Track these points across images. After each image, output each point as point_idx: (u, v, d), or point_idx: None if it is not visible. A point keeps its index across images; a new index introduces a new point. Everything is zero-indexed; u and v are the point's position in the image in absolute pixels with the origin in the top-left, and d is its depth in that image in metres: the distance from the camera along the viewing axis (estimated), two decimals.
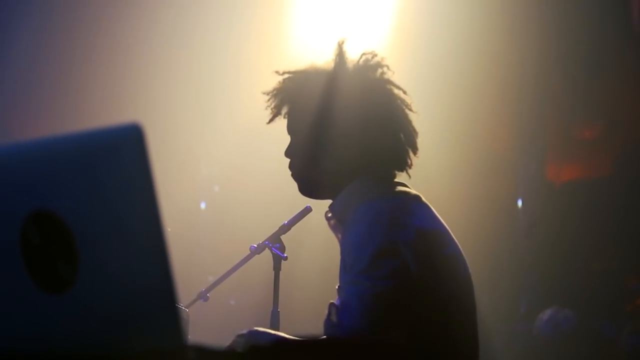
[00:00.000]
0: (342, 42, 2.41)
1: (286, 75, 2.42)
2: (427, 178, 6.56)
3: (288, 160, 2.44)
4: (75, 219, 1.30)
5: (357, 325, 2.10)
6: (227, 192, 6.76)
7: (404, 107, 2.38)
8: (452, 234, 2.35)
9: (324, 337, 2.19)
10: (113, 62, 6.53)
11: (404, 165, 2.39)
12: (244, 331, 2.19)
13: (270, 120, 2.44)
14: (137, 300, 1.31)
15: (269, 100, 2.43)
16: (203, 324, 2.72)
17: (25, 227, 1.32)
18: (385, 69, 2.40)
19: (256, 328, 2.22)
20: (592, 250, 6.65)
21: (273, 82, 2.45)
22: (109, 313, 1.32)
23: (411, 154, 2.39)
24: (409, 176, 2.42)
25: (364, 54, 2.41)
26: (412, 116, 2.40)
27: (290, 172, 2.44)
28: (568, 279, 6.48)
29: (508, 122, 7.16)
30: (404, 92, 2.40)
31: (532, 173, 7.04)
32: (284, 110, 2.43)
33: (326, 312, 2.26)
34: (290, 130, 2.43)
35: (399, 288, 2.12)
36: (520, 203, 7.05)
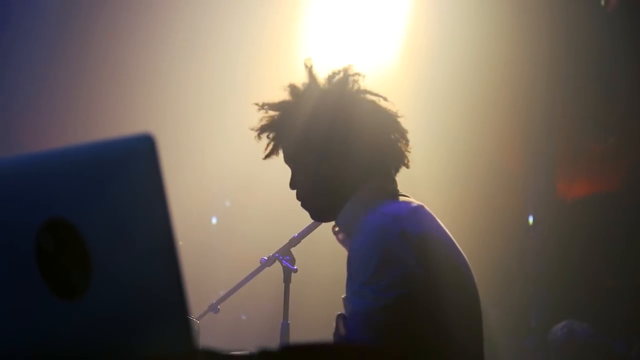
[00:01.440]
0: (310, 65, 2.45)
1: (267, 110, 2.45)
2: (438, 193, 6.60)
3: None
4: (89, 227, 1.33)
5: (364, 338, 2.12)
6: (239, 206, 6.79)
7: (386, 110, 2.42)
8: (456, 243, 2.37)
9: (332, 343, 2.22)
10: (126, 75, 6.58)
11: (400, 162, 2.43)
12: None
13: (267, 157, 2.48)
14: (149, 307, 1.34)
15: (258, 136, 2.46)
16: (214, 336, 2.73)
17: (40, 235, 1.35)
18: (356, 77, 2.43)
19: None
20: (603, 266, 6.65)
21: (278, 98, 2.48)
22: (121, 319, 1.35)
23: (407, 152, 2.43)
24: (408, 167, 2.45)
25: (333, 72, 2.44)
26: (400, 113, 2.44)
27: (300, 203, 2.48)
28: (579, 295, 6.47)
29: (519, 138, 7.17)
30: (384, 99, 2.44)
31: (542, 189, 7.05)
32: (276, 145, 2.46)
33: (334, 324, 2.29)
34: (288, 161, 2.47)
35: (404, 297, 2.14)
36: (531, 219, 7.05)
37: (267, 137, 2.45)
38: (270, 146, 2.46)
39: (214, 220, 6.96)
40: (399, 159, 2.43)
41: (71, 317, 1.35)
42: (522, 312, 6.83)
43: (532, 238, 6.99)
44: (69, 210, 1.34)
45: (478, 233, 6.62)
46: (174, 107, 6.72)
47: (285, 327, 3.12)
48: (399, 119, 2.43)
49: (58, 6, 6.48)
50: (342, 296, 2.33)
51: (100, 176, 1.32)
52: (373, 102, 2.42)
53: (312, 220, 3.00)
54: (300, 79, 2.46)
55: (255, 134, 2.46)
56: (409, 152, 2.44)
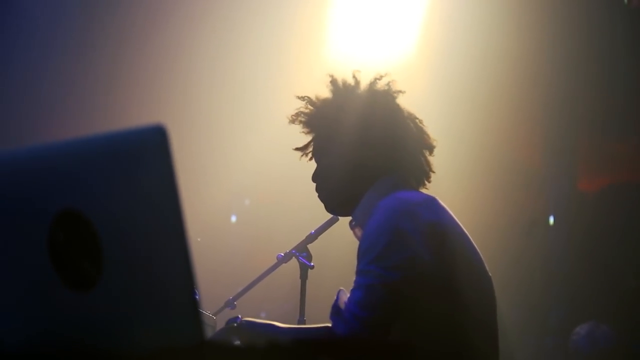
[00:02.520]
0: (356, 71, 2.57)
1: (305, 106, 2.55)
2: (458, 192, 6.58)
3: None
4: (101, 218, 1.34)
5: (364, 314, 2.14)
6: (258, 205, 6.81)
7: (414, 118, 2.52)
8: (468, 234, 2.37)
9: (335, 333, 2.23)
10: (147, 74, 6.61)
11: (421, 175, 2.50)
12: (235, 320, 2.28)
13: (303, 149, 2.60)
14: (159, 299, 1.34)
15: (292, 122, 2.57)
16: None
17: (53, 226, 1.36)
18: (392, 84, 2.54)
19: (246, 318, 2.31)
20: (625, 266, 6.60)
21: (300, 100, 2.59)
22: (131, 311, 1.35)
23: (429, 156, 2.50)
24: (429, 182, 2.51)
25: (375, 77, 2.55)
26: (426, 120, 2.55)
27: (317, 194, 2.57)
28: (601, 295, 6.43)
29: (539, 137, 7.14)
30: (408, 108, 2.55)
31: (564, 188, 7.01)
32: (310, 138, 2.58)
33: (335, 297, 2.31)
34: (315, 155, 2.56)
35: (408, 279, 2.16)
36: (552, 219, 7.02)
37: (303, 128, 2.57)
38: (307, 138, 2.58)
39: (233, 219, 6.98)
40: (420, 170, 2.50)
41: (82, 308, 1.36)
42: (542, 312, 6.80)
43: (553, 237, 6.96)
44: (81, 201, 1.35)
45: (499, 232, 6.60)
46: (196, 107, 6.75)
47: (301, 324, 3.12)
48: (426, 129, 2.52)
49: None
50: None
51: (112, 168, 1.32)
52: (400, 109, 2.51)
53: (329, 216, 3.03)
54: (320, 75, 2.53)
55: (289, 122, 2.58)
56: (430, 156, 2.52)
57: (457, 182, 6.55)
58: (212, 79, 6.72)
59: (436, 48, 6.43)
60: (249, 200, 6.99)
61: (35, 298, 1.31)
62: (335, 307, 2.30)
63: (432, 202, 2.35)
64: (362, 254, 2.24)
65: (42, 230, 1.36)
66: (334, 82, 2.55)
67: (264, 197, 6.75)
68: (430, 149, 2.51)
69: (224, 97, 6.77)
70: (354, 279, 2.27)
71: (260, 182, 6.73)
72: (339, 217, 3.15)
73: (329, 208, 2.58)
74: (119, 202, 1.33)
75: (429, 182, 2.52)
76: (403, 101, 2.54)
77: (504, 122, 6.84)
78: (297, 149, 2.60)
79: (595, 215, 6.78)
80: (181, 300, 1.33)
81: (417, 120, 2.53)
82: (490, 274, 2.39)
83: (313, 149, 2.57)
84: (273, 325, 2.37)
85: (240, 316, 2.39)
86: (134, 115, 6.33)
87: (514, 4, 6.57)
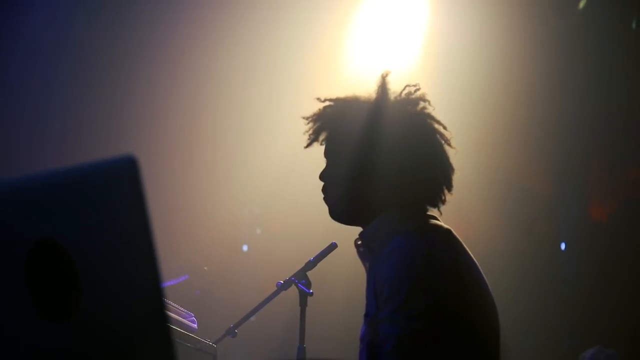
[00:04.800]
0: (386, 75, 2.46)
1: (327, 102, 2.46)
2: (469, 218, 6.58)
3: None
4: (77, 248, 1.37)
5: None
6: (269, 234, 6.83)
7: (443, 143, 2.41)
8: (480, 269, 2.37)
9: None
10: (155, 101, 6.65)
11: (437, 202, 2.41)
12: None
13: (308, 145, 2.47)
14: (134, 326, 1.37)
15: (308, 124, 2.47)
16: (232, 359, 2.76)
17: (30, 257, 1.40)
18: (426, 103, 2.43)
19: None
20: (638, 292, 6.57)
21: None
22: (109, 340, 1.38)
23: (445, 191, 2.41)
24: (440, 213, 2.42)
25: (407, 86, 2.45)
26: (451, 152, 2.42)
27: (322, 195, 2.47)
28: (613, 321, 6.40)
29: (550, 162, 7.13)
30: (444, 128, 2.43)
31: (574, 215, 7.00)
32: (323, 136, 2.46)
33: (359, 346, 2.28)
34: (328, 154, 2.47)
35: (435, 324, 2.15)
36: (563, 246, 7.01)
37: (317, 125, 2.47)
38: (316, 135, 2.47)
39: (244, 248, 7.01)
40: (434, 197, 2.41)
41: (60, 339, 1.39)
42: (555, 337, 6.77)
43: (566, 264, 6.94)
44: (57, 232, 1.38)
45: (510, 258, 6.59)
46: (208, 135, 6.79)
47: (301, 351, 3.14)
48: (450, 155, 2.41)
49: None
50: (364, 314, 2.33)
51: (85, 198, 1.36)
52: (434, 130, 2.41)
53: (328, 244, 3.04)
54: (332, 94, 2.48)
55: (308, 119, 2.48)
56: (447, 192, 2.41)
57: (467, 207, 6.56)
58: (221, 108, 6.76)
59: (442, 66, 6.46)
60: (260, 230, 7.02)
61: (12, 329, 1.34)
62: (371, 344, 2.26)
63: (447, 237, 2.32)
64: (384, 299, 2.19)
65: (19, 261, 1.40)
66: (382, 85, 2.44)
67: (275, 226, 6.77)
68: (450, 187, 2.41)
69: (232, 127, 6.82)
70: (378, 324, 2.22)
71: (271, 211, 6.76)
72: (337, 245, 3.17)
73: (333, 213, 2.46)
74: (93, 232, 1.37)
75: (443, 204, 2.45)
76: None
77: (514, 148, 6.86)
78: (308, 145, 2.48)
79: (607, 242, 6.75)
80: (155, 326, 1.36)
81: (446, 141, 2.41)
82: (497, 311, 2.39)
83: (330, 146, 2.47)
84: None
85: None
86: (141, 146, 6.37)
87: (523, 26, 6.59)
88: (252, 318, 3.35)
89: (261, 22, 6.58)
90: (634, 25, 6.82)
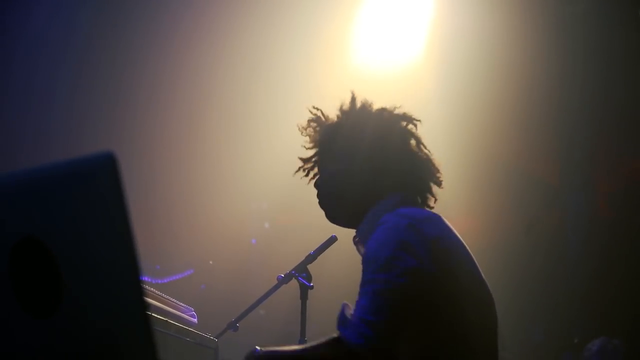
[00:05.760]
0: (354, 95, 2.62)
1: (314, 124, 2.64)
2: (477, 210, 6.56)
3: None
4: (58, 245, 1.39)
5: (373, 318, 2.14)
6: (277, 228, 6.84)
7: (415, 134, 2.56)
8: (471, 254, 2.39)
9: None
10: (163, 96, 6.67)
11: (425, 194, 2.51)
12: (254, 352, 2.26)
13: (310, 179, 2.65)
14: (115, 322, 1.38)
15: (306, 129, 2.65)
16: (234, 354, 2.78)
17: (14, 254, 1.41)
18: (400, 110, 2.59)
19: (264, 348, 2.30)
20: None
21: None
22: (90, 336, 1.40)
23: (434, 188, 2.52)
24: (435, 199, 2.53)
25: (394, 107, 2.61)
26: (430, 143, 2.55)
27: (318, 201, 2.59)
28: (623, 312, 6.38)
29: (556, 151, 7.11)
30: (416, 121, 2.58)
31: (583, 204, 6.98)
32: (317, 155, 2.63)
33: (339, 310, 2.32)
34: (324, 162, 2.60)
35: (414, 285, 2.16)
36: (570, 234, 6.99)
37: (313, 135, 2.64)
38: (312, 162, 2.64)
39: (253, 242, 7.02)
40: (423, 190, 2.52)
41: (42, 335, 1.41)
42: (565, 329, 6.76)
43: (576, 254, 6.92)
44: (39, 229, 1.40)
45: (520, 246, 6.59)
46: (216, 130, 6.80)
47: (302, 344, 3.14)
48: (431, 155, 2.56)
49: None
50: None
51: (65, 195, 1.37)
52: (410, 132, 2.56)
53: (328, 237, 3.05)
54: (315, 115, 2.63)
55: (301, 130, 2.66)
56: (437, 187, 2.53)
57: (475, 199, 6.55)
58: (229, 105, 6.78)
59: (447, 56, 6.46)
60: (268, 224, 7.03)
61: None
62: (342, 317, 2.30)
63: (436, 218, 2.37)
64: (366, 264, 2.26)
65: (3, 259, 1.41)
66: (352, 99, 2.61)
67: (284, 220, 6.79)
68: (438, 183, 2.54)
69: (244, 121, 6.83)
70: (359, 290, 2.28)
71: (278, 205, 6.76)
72: (337, 238, 3.18)
73: (330, 216, 2.59)
74: (74, 229, 1.38)
75: (432, 205, 2.53)
76: (420, 131, 2.58)
77: (523, 140, 6.84)
78: (302, 159, 2.65)
79: (614, 231, 6.73)
80: (135, 321, 1.37)
81: (429, 152, 2.57)
82: (492, 294, 2.40)
83: (321, 156, 2.62)
84: (289, 352, 2.35)
85: (257, 347, 2.37)
86: (153, 145, 6.39)
87: (528, 14, 6.58)
88: (255, 311, 3.36)
89: (270, 16, 6.59)
90: None
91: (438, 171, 2.55)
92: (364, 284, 2.23)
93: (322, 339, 2.25)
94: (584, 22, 6.61)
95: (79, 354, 1.41)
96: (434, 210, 2.49)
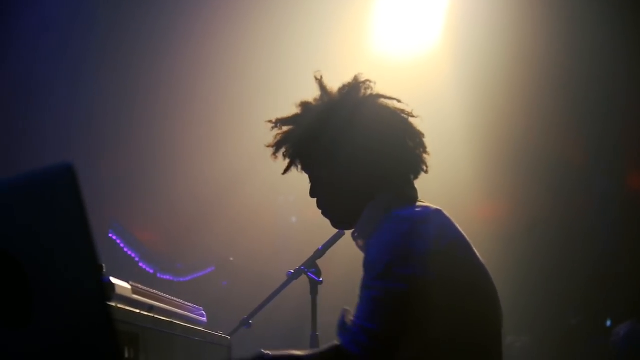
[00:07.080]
0: (320, 77, 2.52)
1: (280, 126, 2.51)
2: (505, 194, 6.51)
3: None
4: (26, 256, 1.42)
5: (371, 325, 2.15)
6: (304, 222, 6.85)
7: (400, 114, 2.46)
8: (473, 247, 2.37)
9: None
10: (185, 91, 6.70)
11: (419, 168, 2.47)
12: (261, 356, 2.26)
13: (286, 171, 2.51)
14: (82, 329, 1.41)
15: (274, 154, 2.50)
16: (247, 350, 2.79)
17: None
18: (367, 84, 2.48)
19: (270, 352, 2.29)
20: None
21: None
22: (62, 346, 1.42)
23: (424, 156, 2.46)
24: (427, 171, 2.47)
25: (343, 84, 2.50)
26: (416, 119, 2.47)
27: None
28: None
29: (585, 133, 7.04)
30: (398, 101, 2.47)
31: (610, 186, 6.92)
32: (293, 158, 2.50)
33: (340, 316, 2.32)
34: (305, 171, 2.52)
35: (413, 293, 2.16)
36: (602, 216, 6.94)
37: (283, 152, 2.49)
38: (287, 161, 2.50)
39: (293, 220, 7.04)
40: (416, 165, 2.46)
41: (16, 345, 1.44)
42: (600, 313, 6.71)
43: (606, 237, 6.87)
44: (7, 242, 1.43)
45: (555, 231, 6.55)
46: (238, 124, 6.81)
47: (314, 339, 3.16)
48: (414, 123, 2.46)
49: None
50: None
51: (26, 208, 1.40)
52: (386, 106, 2.45)
53: (335, 231, 3.05)
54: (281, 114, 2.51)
55: (272, 151, 2.50)
56: (427, 154, 2.46)
57: (502, 184, 6.52)
58: (253, 99, 6.79)
59: (465, 43, 6.43)
60: (295, 218, 7.05)
61: None
62: (341, 324, 2.32)
63: (436, 216, 2.34)
64: (366, 270, 2.26)
65: None
66: (303, 102, 2.52)
67: (311, 214, 6.80)
68: (416, 172, 2.47)
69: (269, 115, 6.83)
70: (359, 294, 2.29)
71: (306, 199, 6.77)
72: (344, 232, 3.18)
73: (334, 223, 2.55)
74: (38, 240, 1.41)
75: (426, 172, 2.48)
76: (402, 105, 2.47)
77: (549, 122, 6.79)
78: (285, 171, 2.53)
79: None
80: (100, 331, 1.39)
81: (403, 112, 2.47)
82: (495, 287, 2.38)
83: (301, 166, 2.52)
84: (294, 357, 2.35)
85: (264, 350, 2.38)
86: (179, 136, 6.41)
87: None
88: (266, 307, 3.38)
89: (288, 5, 6.61)
90: None
91: (424, 160, 2.46)
92: (363, 287, 2.23)
93: (324, 346, 2.26)
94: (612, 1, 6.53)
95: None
96: (431, 205, 2.43)
